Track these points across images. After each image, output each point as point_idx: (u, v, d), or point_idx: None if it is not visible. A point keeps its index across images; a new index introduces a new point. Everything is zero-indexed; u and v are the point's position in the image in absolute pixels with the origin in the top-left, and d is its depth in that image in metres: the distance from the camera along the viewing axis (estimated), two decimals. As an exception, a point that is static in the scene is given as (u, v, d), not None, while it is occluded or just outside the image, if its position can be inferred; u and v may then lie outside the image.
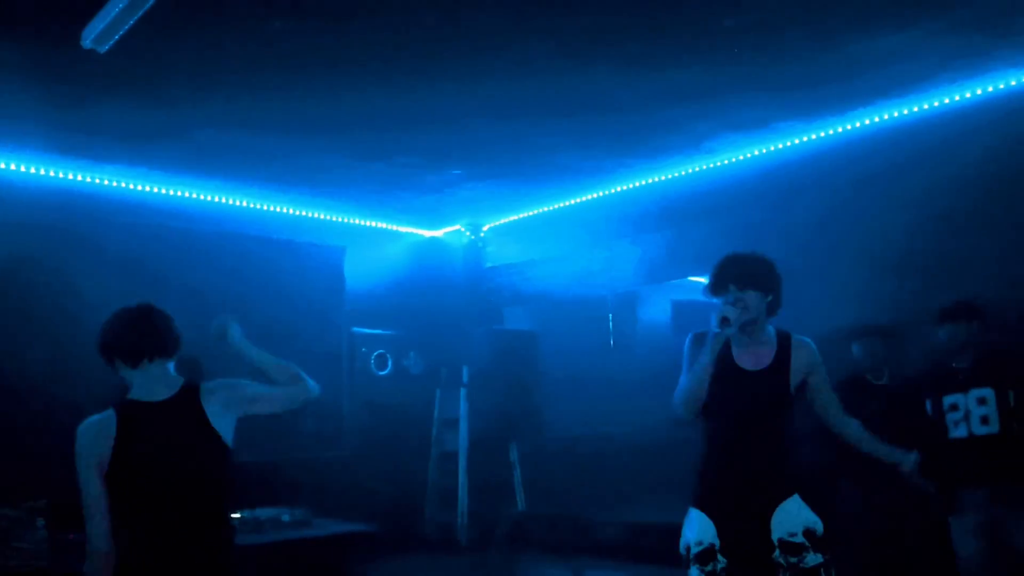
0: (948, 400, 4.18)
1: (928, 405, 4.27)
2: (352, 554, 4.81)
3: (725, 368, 3.10)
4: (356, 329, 8.04)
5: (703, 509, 3.09)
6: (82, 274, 6.27)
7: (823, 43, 4.64)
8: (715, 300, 3.07)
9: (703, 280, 9.36)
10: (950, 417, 4.15)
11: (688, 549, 3.07)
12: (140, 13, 3.91)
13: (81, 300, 6.23)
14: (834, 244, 6.13)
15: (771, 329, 3.13)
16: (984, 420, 4.08)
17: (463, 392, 8.01)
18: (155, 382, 2.71)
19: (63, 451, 4.84)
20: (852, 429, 3.16)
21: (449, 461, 8.12)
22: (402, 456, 8.01)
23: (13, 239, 6.03)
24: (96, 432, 2.59)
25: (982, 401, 4.09)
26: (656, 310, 9.44)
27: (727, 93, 5.31)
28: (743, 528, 3.00)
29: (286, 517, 4.60)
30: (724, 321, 2.96)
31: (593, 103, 5.44)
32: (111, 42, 4.18)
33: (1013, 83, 5.12)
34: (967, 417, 4.11)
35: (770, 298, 3.09)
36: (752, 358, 3.10)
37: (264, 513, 4.59)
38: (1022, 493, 3.97)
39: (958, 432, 4.12)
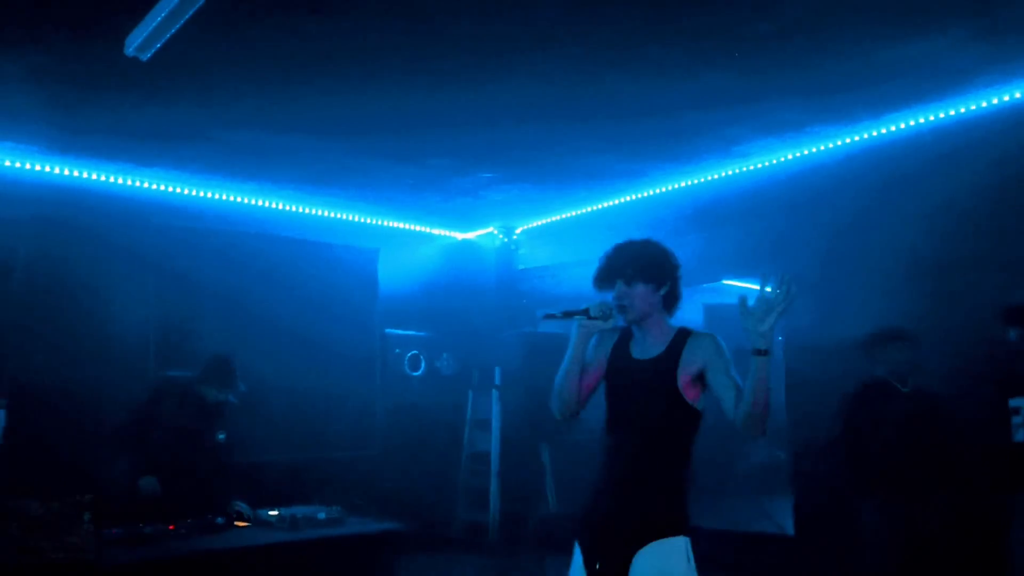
0: (1013, 403, 4.10)
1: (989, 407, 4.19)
2: (384, 552, 4.86)
3: (618, 358, 2.84)
4: (389, 330, 8.13)
5: (578, 540, 2.76)
6: (118, 276, 6.43)
7: (858, 47, 4.61)
8: (607, 293, 2.81)
9: (736, 284, 9.33)
10: (1014, 421, 4.08)
11: None
12: (182, 21, 4.00)
13: (118, 302, 6.40)
14: (867, 248, 6.09)
15: (672, 324, 2.83)
16: None
17: (495, 394, 8.07)
18: None
19: (103, 448, 5.01)
20: (740, 406, 2.60)
21: (480, 462, 8.17)
22: (433, 456, 8.09)
23: (50, 241, 6.19)
24: None
25: None
26: (687, 313, 9.41)
27: (760, 97, 5.30)
28: (604, 570, 2.62)
29: (321, 515, 4.67)
30: (585, 311, 2.77)
31: (625, 107, 5.45)
32: (153, 50, 4.30)
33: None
34: None
35: (664, 291, 2.79)
36: (647, 350, 2.79)
37: (300, 511, 4.66)
38: None
39: (1019, 436, 4.06)
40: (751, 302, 2.54)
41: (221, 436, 4.92)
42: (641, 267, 2.78)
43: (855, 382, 4.96)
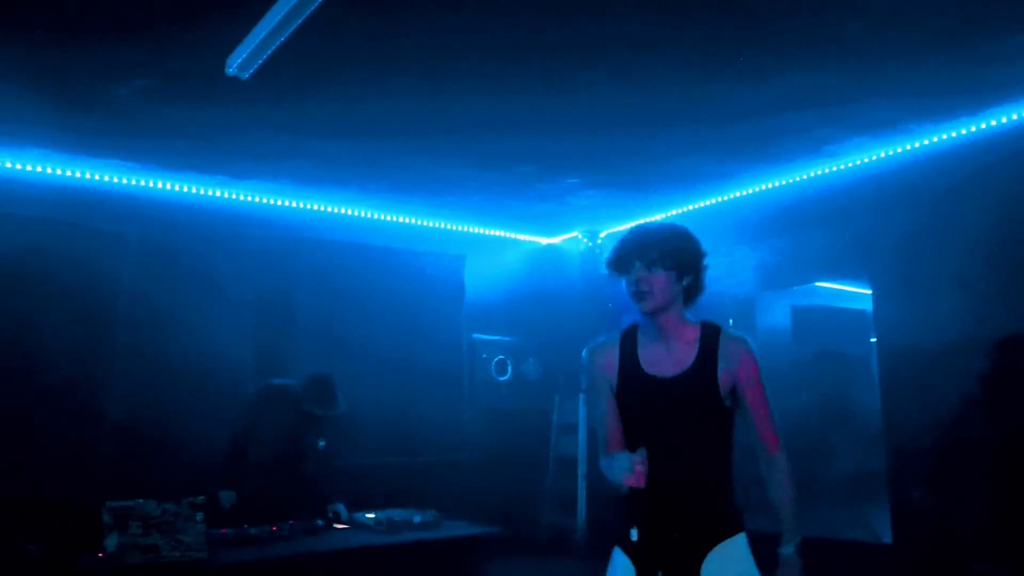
0: None
1: None
2: (477, 556, 4.94)
3: (630, 371, 2.51)
4: (476, 336, 8.23)
5: (628, 553, 2.51)
6: (219, 289, 6.69)
7: (955, 41, 4.48)
8: (621, 278, 2.54)
9: (828, 285, 9.10)
10: None
11: None
12: (282, 39, 4.16)
13: (220, 314, 6.66)
14: (963, 247, 5.90)
15: (691, 319, 2.56)
16: None
17: (582, 398, 8.08)
18: None
19: (214, 451, 5.22)
20: (768, 468, 2.49)
21: (567, 466, 8.20)
22: (521, 461, 8.15)
23: (151, 257, 6.50)
24: None
25: None
26: (775, 315, 9.28)
27: (852, 96, 5.18)
28: None
29: (417, 519, 4.78)
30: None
31: (712, 110, 5.41)
32: (253, 68, 4.47)
33: None
34: None
35: (687, 281, 2.52)
36: (668, 358, 2.50)
37: (397, 515, 4.78)
38: None
39: None
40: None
41: (321, 443, 5.08)
42: (665, 251, 2.50)
43: None
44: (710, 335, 2.53)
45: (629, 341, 2.58)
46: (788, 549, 2.42)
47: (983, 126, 5.62)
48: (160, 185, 6.58)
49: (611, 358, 2.57)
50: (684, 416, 2.47)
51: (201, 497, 3.85)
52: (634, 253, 2.51)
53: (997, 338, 5.61)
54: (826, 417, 8.67)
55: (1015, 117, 5.46)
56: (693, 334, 2.53)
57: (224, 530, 4.24)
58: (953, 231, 5.96)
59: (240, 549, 4.13)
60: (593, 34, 4.40)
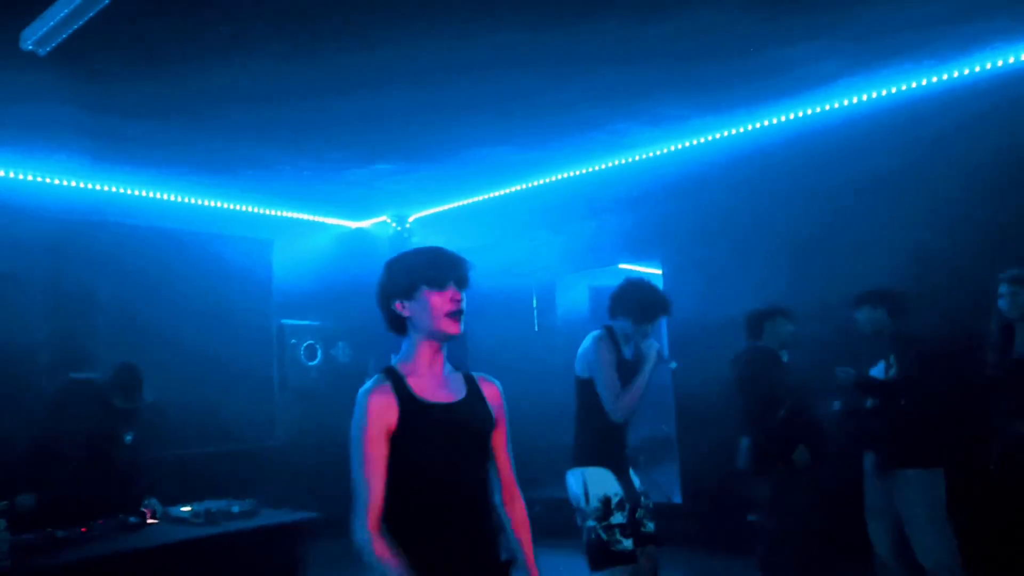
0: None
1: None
2: (298, 540, 4.95)
3: None
4: (285, 321, 8.12)
5: None
6: (5, 274, 6.21)
7: (738, 48, 4.96)
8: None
9: (630, 267, 9.66)
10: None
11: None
12: (86, 18, 3.95)
13: (6, 293, 6.18)
14: (747, 233, 6.56)
15: None
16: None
17: (393, 380, 8.18)
18: None
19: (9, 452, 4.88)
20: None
21: (380, 447, 8.28)
22: (332, 444, 8.13)
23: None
24: None
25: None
26: (575, 295, 9.79)
27: (647, 93, 5.62)
28: None
29: (235, 508, 4.72)
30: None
31: (518, 101, 5.67)
32: (53, 45, 4.20)
33: (903, 87, 5.61)
34: None
35: None
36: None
37: (215, 505, 4.69)
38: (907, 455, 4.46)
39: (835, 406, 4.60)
40: None
41: (128, 437, 4.89)
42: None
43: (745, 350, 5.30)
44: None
45: None
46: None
47: (757, 125, 6.24)
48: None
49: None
50: None
51: (4, 502, 3.63)
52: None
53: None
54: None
55: (783, 119, 6.11)
56: None
57: (26, 536, 3.99)
58: (736, 218, 6.61)
59: (47, 554, 3.92)
60: (404, 26, 4.51)
